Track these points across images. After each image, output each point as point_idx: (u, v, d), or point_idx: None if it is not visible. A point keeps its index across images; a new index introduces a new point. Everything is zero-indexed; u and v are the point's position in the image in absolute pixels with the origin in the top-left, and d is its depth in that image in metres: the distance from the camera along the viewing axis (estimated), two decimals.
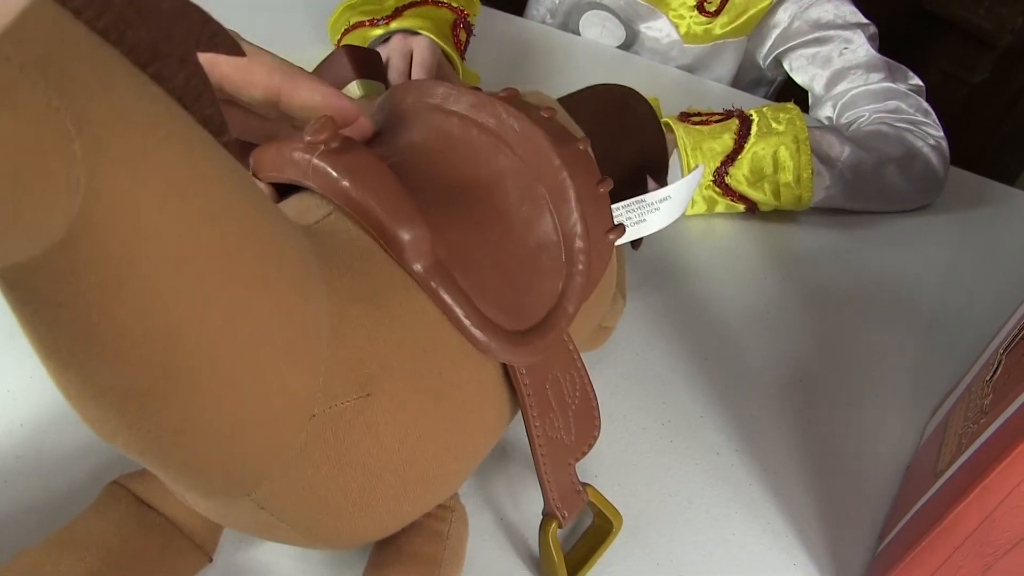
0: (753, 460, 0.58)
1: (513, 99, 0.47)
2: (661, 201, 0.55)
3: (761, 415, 0.61)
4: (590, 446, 0.49)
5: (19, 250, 0.22)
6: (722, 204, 0.77)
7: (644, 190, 0.55)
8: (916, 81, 0.89)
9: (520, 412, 0.46)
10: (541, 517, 0.49)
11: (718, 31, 0.96)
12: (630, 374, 0.63)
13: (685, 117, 0.79)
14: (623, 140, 0.60)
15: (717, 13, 0.95)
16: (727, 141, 0.75)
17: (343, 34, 0.81)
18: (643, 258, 0.73)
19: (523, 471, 0.55)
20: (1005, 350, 0.52)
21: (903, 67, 0.90)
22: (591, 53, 1.00)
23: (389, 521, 0.42)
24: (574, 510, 0.49)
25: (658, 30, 0.99)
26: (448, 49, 0.79)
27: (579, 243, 0.45)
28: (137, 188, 0.24)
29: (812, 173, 0.76)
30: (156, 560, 0.43)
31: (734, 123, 0.77)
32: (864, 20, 0.92)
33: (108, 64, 0.23)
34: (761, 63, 1.01)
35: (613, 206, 0.52)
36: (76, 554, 0.40)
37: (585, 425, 0.49)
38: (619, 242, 0.51)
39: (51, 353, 0.27)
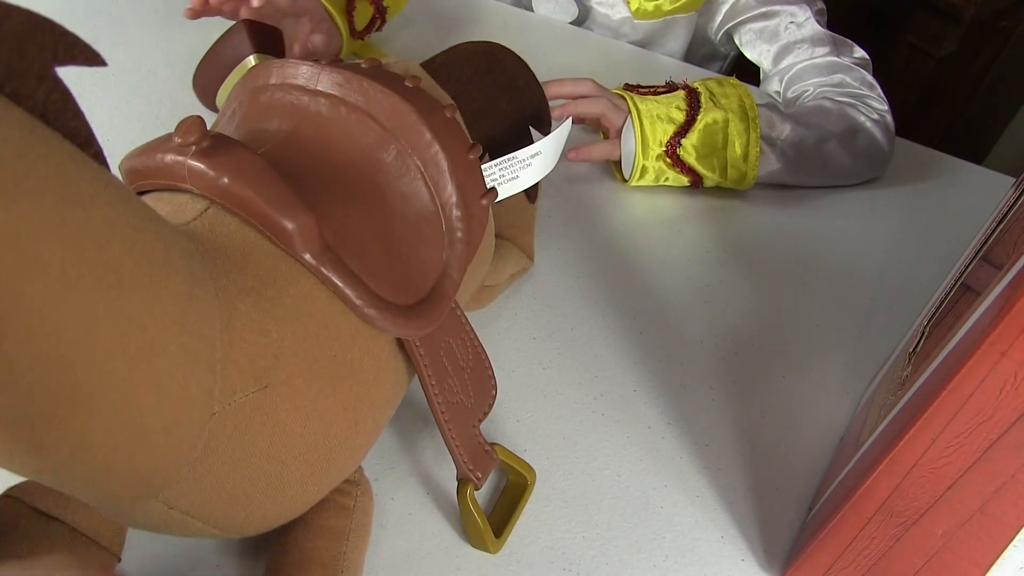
0: (685, 433, 0.58)
1: (377, 71, 0.47)
2: (532, 156, 0.55)
3: (695, 388, 0.62)
4: (490, 406, 0.50)
5: None
6: (671, 175, 0.77)
7: (529, 142, 0.55)
8: (861, 54, 0.89)
9: (416, 378, 0.46)
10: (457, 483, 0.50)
11: (668, 7, 0.96)
12: (565, 348, 0.63)
13: (630, 88, 0.79)
14: (497, 95, 0.59)
15: None
16: (679, 114, 0.76)
17: None
18: (582, 230, 0.73)
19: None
20: (929, 322, 0.52)
21: (849, 41, 0.90)
22: (544, 29, 1.00)
23: (298, 504, 0.42)
24: (486, 470, 0.50)
25: (609, 6, 0.98)
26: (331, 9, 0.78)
27: (456, 211, 0.46)
28: (10, 219, 0.23)
29: (759, 162, 0.76)
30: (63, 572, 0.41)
31: (681, 95, 0.77)
32: None
33: None
34: (713, 38, 1.00)
35: (485, 166, 0.52)
36: None
37: (482, 385, 0.50)
38: (496, 201, 0.51)
39: None
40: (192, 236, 0.36)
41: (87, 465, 0.30)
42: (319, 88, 0.46)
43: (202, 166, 0.38)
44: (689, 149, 0.75)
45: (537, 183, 0.57)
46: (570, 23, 1.01)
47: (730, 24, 0.96)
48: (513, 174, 0.54)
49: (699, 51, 1.05)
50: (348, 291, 0.40)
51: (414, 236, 0.45)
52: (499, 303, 0.65)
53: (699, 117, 0.75)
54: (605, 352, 0.63)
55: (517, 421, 0.57)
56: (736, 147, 0.75)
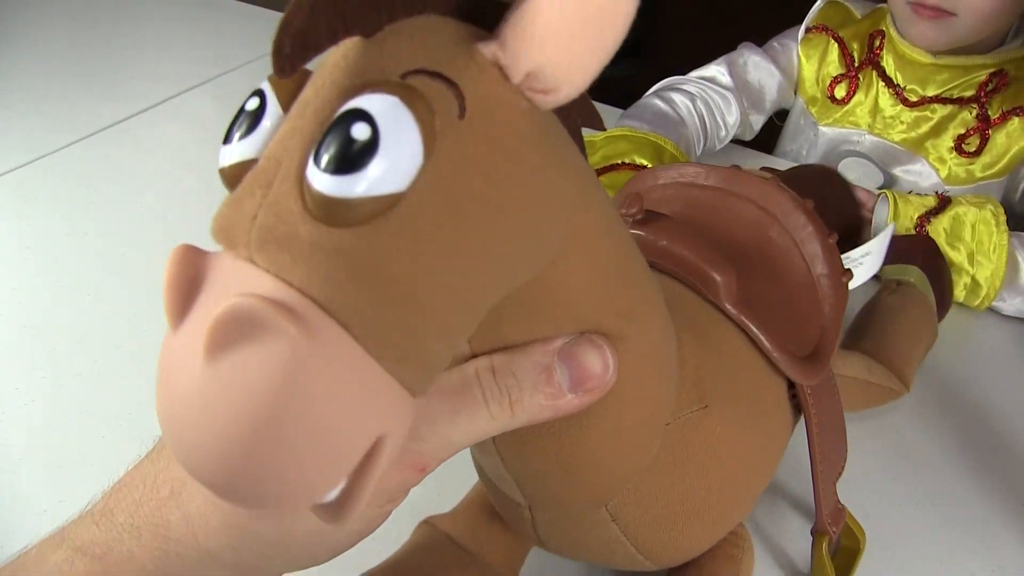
0: None
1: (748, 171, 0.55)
2: (864, 256, 0.64)
3: None
4: (842, 469, 0.55)
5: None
6: None
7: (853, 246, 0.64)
8: None
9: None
10: (811, 536, 0.54)
11: (979, 173, 0.98)
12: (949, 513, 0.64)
13: None
14: (824, 212, 0.66)
15: (977, 153, 0.98)
16: (931, 201, 0.82)
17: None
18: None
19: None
20: None
21: None
22: None
23: (709, 535, 0.46)
24: (839, 526, 0.54)
25: (917, 173, 1.01)
26: None
27: (826, 283, 0.52)
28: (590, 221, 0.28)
29: (1007, 256, 0.79)
30: None
31: (933, 196, 0.84)
32: None
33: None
34: (1014, 198, 1.01)
35: None
36: None
37: (839, 449, 0.55)
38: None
39: None
40: None
41: (575, 454, 0.34)
42: (707, 183, 0.54)
43: (642, 232, 0.46)
44: (939, 230, 0.79)
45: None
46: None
47: None
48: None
49: None
50: (762, 337, 0.46)
51: (797, 301, 0.51)
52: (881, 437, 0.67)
53: (951, 205, 0.81)
54: (994, 519, 0.63)
55: None
56: (984, 239, 0.79)
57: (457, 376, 0.28)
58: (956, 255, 0.80)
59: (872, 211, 0.84)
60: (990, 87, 0.98)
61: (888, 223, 0.81)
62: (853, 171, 1.05)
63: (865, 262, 0.66)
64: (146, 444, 0.34)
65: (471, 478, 0.52)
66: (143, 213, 0.89)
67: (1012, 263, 0.80)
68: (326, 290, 0.20)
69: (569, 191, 0.26)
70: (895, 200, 0.83)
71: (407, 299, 0.21)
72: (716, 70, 1.08)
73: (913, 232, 0.81)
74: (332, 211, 0.20)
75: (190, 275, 0.22)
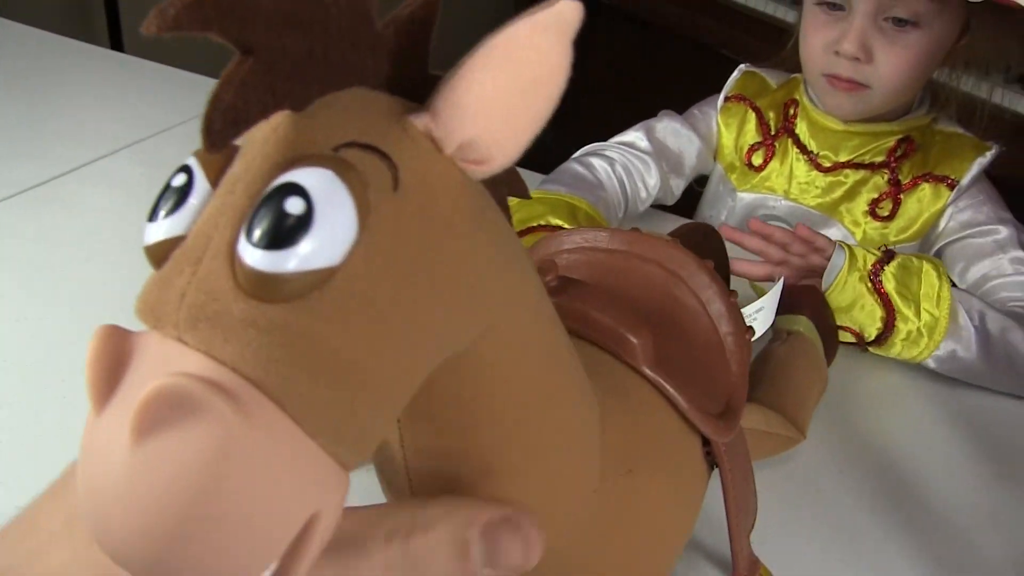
0: None
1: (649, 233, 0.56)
2: (757, 311, 0.66)
3: None
4: (753, 522, 0.56)
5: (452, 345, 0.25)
6: (867, 304, 0.82)
7: None
8: None
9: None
10: None
11: (893, 237, 1.02)
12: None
13: None
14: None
15: (891, 217, 1.02)
16: (878, 253, 0.84)
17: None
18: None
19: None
20: None
21: None
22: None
23: None
24: None
25: (833, 237, 1.05)
26: None
27: (731, 341, 0.52)
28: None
29: (950, 311, 0.81)
30: None
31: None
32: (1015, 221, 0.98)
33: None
34: None
35: None
36: None
37: (751, 501, 0.55)
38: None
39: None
40: None
41: None
42: (611, 247, 0.54)
43: (558, 299, 0.44)
44: (889, 276, 0.82)
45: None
46: None
47: (938, 245, 1.02)
48: None
49: None
50: (680, 397, 0.46)
51: (707, 360, 0.51)
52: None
53: (897, 255, 0.84)
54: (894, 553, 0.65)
55: None
56: (929, 290, 0.82)
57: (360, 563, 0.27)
58: (905, 306, 0.82)
59: (829, 259, 0.85)
60: (899, 153, 1.02)
61: (841, 269, 0.84)
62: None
63: (759, 317, 0.69)
64: None
65: None
66: (64, 276, 0.87)
67: (952, 314, 0.83)
68: (259, 368, 0.20)
69: (500, 261, 0.26)
70: (850, 249, 0.85)
71: (343, 375, 0.21)
72: (635, 135, 1.10)
73: (868, 280, 0.83)
74: (264, 287, 0.20)
75: (115, 355, 0.21)
